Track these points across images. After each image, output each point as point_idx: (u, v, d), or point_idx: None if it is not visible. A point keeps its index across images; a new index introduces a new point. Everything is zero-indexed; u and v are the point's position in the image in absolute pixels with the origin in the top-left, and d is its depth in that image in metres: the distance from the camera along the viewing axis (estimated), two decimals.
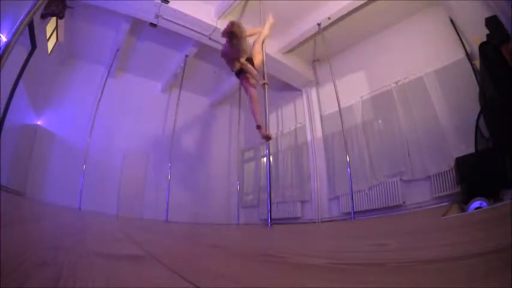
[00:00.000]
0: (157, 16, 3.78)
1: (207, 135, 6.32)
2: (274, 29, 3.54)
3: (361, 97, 4.36)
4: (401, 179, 3.62)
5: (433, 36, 3.74)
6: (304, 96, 5.33)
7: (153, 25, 3.96)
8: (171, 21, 3.88)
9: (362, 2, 3.72)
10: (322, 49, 4.55)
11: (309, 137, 5.02)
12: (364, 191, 3.94)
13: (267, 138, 2.94)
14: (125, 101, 5.38)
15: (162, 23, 3.91)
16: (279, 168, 5.34)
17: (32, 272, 0.40)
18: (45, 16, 3.42)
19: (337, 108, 4.09)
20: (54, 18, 3.77)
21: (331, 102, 4.43)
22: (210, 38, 4.20)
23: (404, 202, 3.54)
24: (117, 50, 4.69)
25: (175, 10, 3.74)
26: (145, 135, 5.42)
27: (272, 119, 5.70)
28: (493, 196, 1.80)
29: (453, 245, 0.70)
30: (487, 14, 2.24)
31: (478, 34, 2.47)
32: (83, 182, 4.15)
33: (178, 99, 5.11)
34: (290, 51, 4.75)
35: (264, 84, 3.13)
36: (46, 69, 4.17)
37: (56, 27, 4.05)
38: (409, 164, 3.59)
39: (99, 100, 4.66)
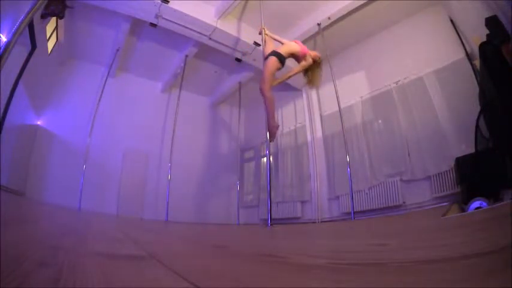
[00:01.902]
0: (157, 16, 3.78)
1: (207, 135, 6.32)
2: (274, 29, 3.55)
3: (361, 97, 4.36)
4: (401, 179, 3.62)
5: (433, 36, 3.74)
6: (304, 96, 5.33)
7: (153, 25, 3.96)
8: (171, 21, 3.88)
9: (362, 2, 3.73)
10: (322, 49, 4.55)
11: (309, 137, 5.02)
12: (364, 191, 3.94)
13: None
14: (125, 101, 5.38)
15: (162, 23, 3.91)
16: (279, 168, 5.34)
17: (32, 272, 0.40)
18: (45, 16, 3.42)
19: (337, 108, 4.09)
20: (54, 18, 3.77)
21: (331, 102, 4.43)
22: (210, 38, 4.20)
23: (404, 202, 3.54)
24: (117, 50, 4.69)
25: (175, 10, 3.74)
26: (145, 135, 5.42)
27: None
28: (493, 196, 1.80)
29: (453, 245, 0.70)
30: (487, 14, 2.24)
31: (478, 34, 2.47)
32: (83, 182, 4.15)
33: (178, 99, 5.11)
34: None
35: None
36: (46, 69, 4.17)
37: (56, 27, 4.05)
38: (409, 164, 3.59)
39: (99, 100, 4.67)
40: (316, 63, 2.86)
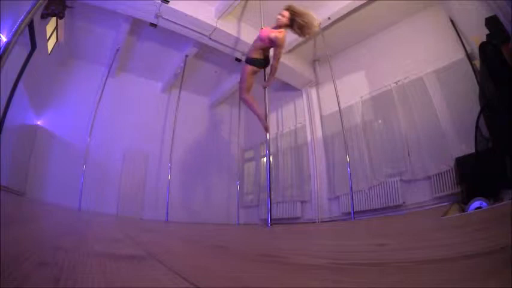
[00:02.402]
0: (157, 16, 3.78)
1: (207, 135, 6.32)
2: None
3: (361, 97, 4.35)
4: (401, 179, 3.62)
5: (433, 36, 3.74)
6: (304, 96, 5.33)
7: (153, 25, 3.96)
8: (171, 21, 3.87)
9: (362, 2, 3.72)
10: (322, 49, 4.55)
11: (309, 137, 5.02)
12: (364, 191, 3.94)
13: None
14: (125, 101, 5.37)
15: (162, 23, 3.91)
16: (279, 168, 5.34)
17: (32, 272, 0.40)
18: (45, 16, 3.42)
19: (337, 108, 4.09)
20: (54, 18, 3.77)
21: (331, 102, 4.43)
22: (210, 38, 4.19)
23: (404, 202, 3.54)
24: (117, 50, 4.69)
25: (175, 10, 3.73)
26: (145, 135, 5.42)
27: (272, 119, 5.70)
28: (493, 196, 1.80)
29: (453, 245, 0.70)
30: (487, 14, 2.24)
31: (478, 34, 2.47)
32: (83, 182, 4.15)
33: (178, 99, 5.11)
34: (290, 51, 4.74)
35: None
36: (46, 69, 4.16)
37: (56, 27, 4.05)
38: (409, 164, 3.59)
39: (99, 100, 4.67)
40: (292, 21, 2.51)
